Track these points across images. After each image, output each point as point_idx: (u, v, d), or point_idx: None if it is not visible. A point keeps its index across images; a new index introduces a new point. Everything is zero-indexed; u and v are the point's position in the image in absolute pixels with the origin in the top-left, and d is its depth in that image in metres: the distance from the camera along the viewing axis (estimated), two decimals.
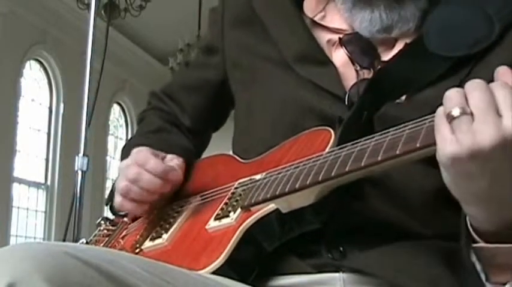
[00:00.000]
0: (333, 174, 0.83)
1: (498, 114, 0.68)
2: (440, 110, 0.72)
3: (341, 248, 0.90)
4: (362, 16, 0.98)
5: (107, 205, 1.16)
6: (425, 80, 0.92)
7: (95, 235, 1.15)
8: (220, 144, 1.31)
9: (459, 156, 0.69)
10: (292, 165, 0.91)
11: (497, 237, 0.76)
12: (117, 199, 1.04)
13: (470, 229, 0.78)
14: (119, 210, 1.08)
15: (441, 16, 0.95)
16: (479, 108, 0.69)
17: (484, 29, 0.91)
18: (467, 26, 0.93)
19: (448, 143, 0.70)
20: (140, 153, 1.02)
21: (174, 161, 1.05)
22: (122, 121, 9.52)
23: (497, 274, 0.77)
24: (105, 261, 0.68)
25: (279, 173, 0.91)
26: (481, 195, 0.72)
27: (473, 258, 0.78)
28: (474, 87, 0.70)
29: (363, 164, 0.79)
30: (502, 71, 0.71)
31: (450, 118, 0.70)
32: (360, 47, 0.99)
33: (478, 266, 0.78)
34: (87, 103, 2.02)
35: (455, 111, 0.69)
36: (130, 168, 1.01)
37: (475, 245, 0.78)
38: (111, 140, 9.12)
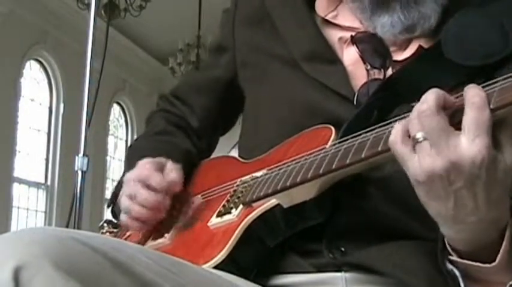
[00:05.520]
0: (334, 166, 0.83)
1: (455, 136, 0.70)
2: (399, 130, 0.74)
3: (342, 248, 0.90)
4: (382, 21, 0.97)
5: (108, 207, 1.16)
6: (439, 86, 0.92)
7: None
8: (221, 146, 1.31)
9: (422, 179, 0.72)
10: (294, 160, 0.91)
11: (469, 254, 0.78)
12: (122, 218, 1.04)
13: (446, 242, 0.80)
14: (127, 228, 1.09)
15: (460, 24, 0.94)
16: (432, 133, 0.71)
17: (498, 43, 0.91)
18: (483, 38, 0.93)
19: (412, 167, 0.73)
20: (143, 169, 1.03)
21: (172, 173, 1.04)
22: (122, 121, 9.52)
23: (474, 285, 0.79)
24: (112, 248, 0.68)
25: (280, 169, 0.92)
26: (447, 215, 0.75)
27: (450, 266, 0.80)
28: (426, 113, 0.72)
29: (363, 155, 0.79)
30: (471, 91, 0.72)
31: (414, 141, 0.73)
32: (372, 46, 0.99)
33: (457, 273, 0.79)
34: (87, 103, 2.01)
35: (419, 135, 0.72)
36: (129, 184, 1.02)
37: (450, 257, 0.80)
38: (111, 140, 9.12)
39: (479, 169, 0.70)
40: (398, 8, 0.96)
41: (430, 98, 0.72)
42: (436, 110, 0.71)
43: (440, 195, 0.73)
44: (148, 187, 1.00)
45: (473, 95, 0.71)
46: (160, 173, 1.03)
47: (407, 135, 0.74)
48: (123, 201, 1.03)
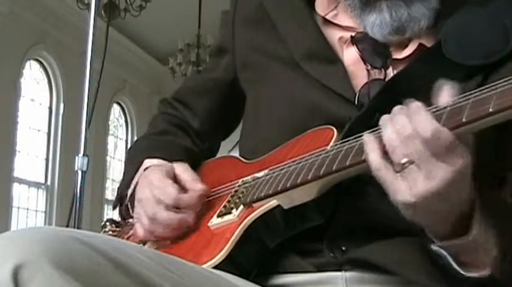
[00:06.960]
0: (334, 168, 0.83)
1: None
2: (377, 157, 0.77)
3: (343, 247, 0.91)
4: (371, 20, 0.97)
5: (114, 208, 1.16)
6: None
7: None
8: (221, 146, 1.31)
9: (414, 202, 0.76)
10: (295, 161, 0.91)
11: (448, 237, 0.81)
12: (139, 232, 1.01)
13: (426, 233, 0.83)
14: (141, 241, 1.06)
15: (460, 23, 0.94)
16: (420, 156, 0.74)
17: (500, 41, 0.92)
18: (484, 37, 0.93)
19: (399, 193, 0.76)
20: (159, 185, 1.00)
21: (198, 185, 1.01)
22: (122, 121, 9.52)
23: (467, 270, 0.81)
24: (112, 248, 0.68)
25: (281, 170, 0.92)
26: (436, 220, 0.80)
27: (435, 247, 0.82)
28: (412, 136, 0.75)
29: (363, 157, 0.80)
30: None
31: (399, 167, 0.75)
32: (372, 46, 0.99)
33: (444, 252, 0.81)
34: (87, 103, 2.01)
35: (404, 161, 0.75)
36: (149, 203, 0.99)
37: (433, 245, 0.82)
38: (111, 140, 9.12)
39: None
40: (385, 7, 0.96)
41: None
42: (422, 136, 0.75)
43: (433, 209, 0.77)
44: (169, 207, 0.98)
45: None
46: (177, 188, 0.99)
47: (389, 159, 0.77)
48: (144, 222, 1.00)
